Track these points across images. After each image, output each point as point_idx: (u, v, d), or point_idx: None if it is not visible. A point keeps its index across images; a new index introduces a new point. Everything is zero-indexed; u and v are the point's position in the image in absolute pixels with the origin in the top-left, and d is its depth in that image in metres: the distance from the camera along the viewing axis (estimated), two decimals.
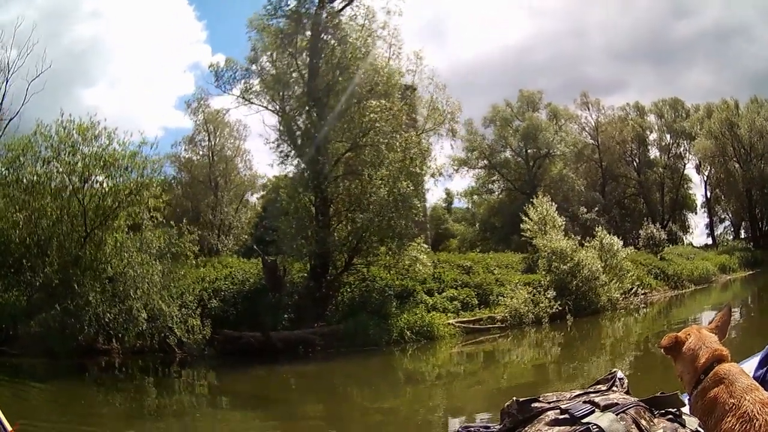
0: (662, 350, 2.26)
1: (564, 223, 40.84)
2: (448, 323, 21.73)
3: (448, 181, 70.57)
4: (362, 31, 22.78)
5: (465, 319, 22.35)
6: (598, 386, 2.25)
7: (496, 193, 46.21)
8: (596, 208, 43.82)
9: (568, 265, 24.03)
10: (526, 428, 2.02)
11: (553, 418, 1.99)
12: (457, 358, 20.15)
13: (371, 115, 20.56)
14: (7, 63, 24.80)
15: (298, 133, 22.79)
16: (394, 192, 20.77)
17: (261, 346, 20.04)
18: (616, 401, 2.03)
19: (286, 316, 21.50)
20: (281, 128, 22.89)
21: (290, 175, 23.44)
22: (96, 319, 19.61)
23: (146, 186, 20.84)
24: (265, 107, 24.37)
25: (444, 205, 54.57)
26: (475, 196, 48.54)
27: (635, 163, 45.43)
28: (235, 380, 18.60)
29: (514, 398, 2.11)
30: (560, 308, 22.95)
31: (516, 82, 71.44)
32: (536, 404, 2.07)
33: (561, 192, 42.67)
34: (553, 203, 28.16)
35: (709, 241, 47.10)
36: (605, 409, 1.98)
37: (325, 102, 22.19)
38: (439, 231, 51.52)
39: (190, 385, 18.80)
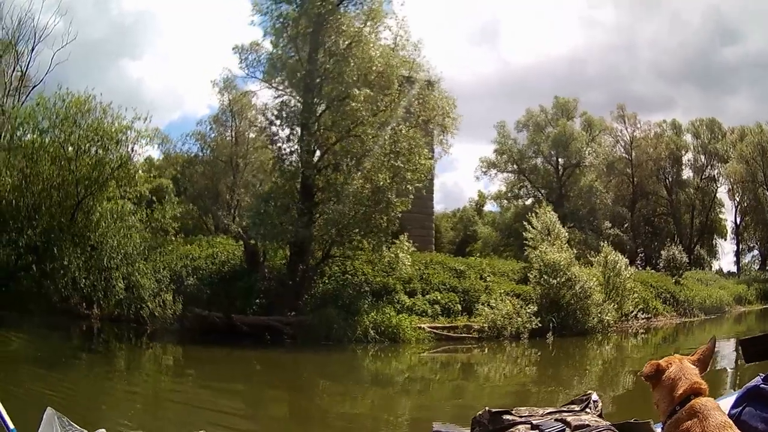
0: (643, 378, 2.14)
1: (585, 236, 39.00)
2: (419, 327, 20.34)
3: (476, 183, 68.80)
4: (367, 18, 21.60)
5: (439, 325, 20.90)
6: (572, 406, 2.23)
7: (523, 199, 44.11)
8: (626, 225, 41.36)
9: (558, 279, 22.14)
10: None
11: None
12: (421, 365, 18.78)
13: (353, 104, 19.28)
14: (34, 32, 24.73)
15: (292, 118, 21.79)
16: (371, 185, 19.53)
17: (226, 328, 19.34)
18: (587, 423, 2.01)
19: (257, 301, 20.67)
20: (274, 112, 21.93)
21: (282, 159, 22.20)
22: (72, 283, 19.48)
23: (129, 158, 20.40)
24: (288, 92, 23.28)
25: (474, 207, 52.78)
26: (505, 201, 46.55)
27: (667, 182, 42.35)
28: (197, 359, 18.05)
29: (487, 408, 2.10)
30: (539, 324, 21.11)
31: (565, 92, 68.28)
32: (508, 417, 2.04)
33: (588, 204, 40.44)
34: (555, 214, 26.10)
35: (736, 269, 43.74)
36: (576, 429, 1.96)
37: (319, 89, 21.09)
38: (467, 233, 49.97)
39: (156, 359, 18.41)
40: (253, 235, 21.24)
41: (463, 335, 20.88)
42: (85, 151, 19.92)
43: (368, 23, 21.64)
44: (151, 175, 21.82)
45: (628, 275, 25.15)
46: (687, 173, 43.23)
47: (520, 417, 2.05)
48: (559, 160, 41.43)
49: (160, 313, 19.97)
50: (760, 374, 2.25)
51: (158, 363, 17.93)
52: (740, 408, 2.23)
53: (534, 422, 2.00)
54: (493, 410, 2.08)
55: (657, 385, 2.10)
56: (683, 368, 2.07)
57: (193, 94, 66.34)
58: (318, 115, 21.50)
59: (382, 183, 19.48)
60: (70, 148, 19.91)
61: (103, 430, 2.37)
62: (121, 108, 20.36)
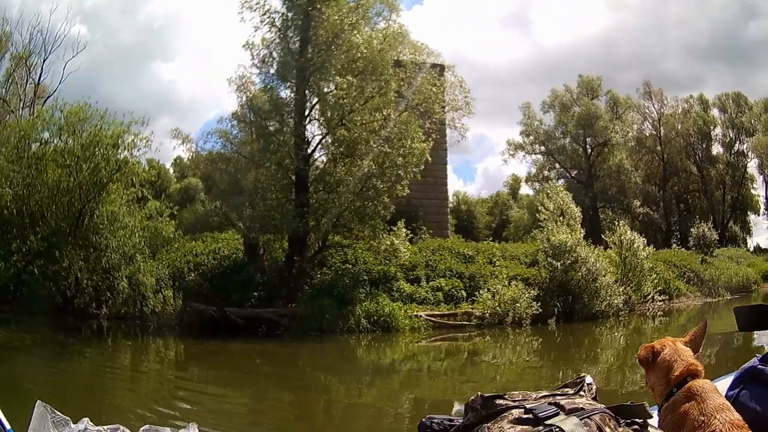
0: (639, 361, 2.07)
1: (615, 215, 36.85)
2: (416, 315, 19.17)
3: (506, 166, 66.93)
4: (357, 5, 20.55)
5: (436, 313, 19.69)
6: (566, 389, 2.10)
7: (553, 180, 42.01)
8: (659, 203, 38.98)
9: (562, 261, 20.54)
10: (489, 424, 1.89)
11: (516, 416, 1.87)
12: (416, 353, 17.67)
13: (335, 92, 18.26)
14: (44, 44, 24.77)
15: (286, 110, 20.98)
16: (359, 172, 18.53)
17: (223, 321, 18.84)
18: (582, 406, 1.90)
19: (255, 293, 20.02)
20: (267, 106, 21.06)
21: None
22: (76, 283, 19.36)
23: (126, 162, 19.96)
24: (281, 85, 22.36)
25: (509, 191, 50.94)
26: (537, 183, 44.49)
27: (697, 158, 39.34)
28: (191, 352, 17.91)
29: (479, 393, 1.99)
30: (539, 310, 19.58)
31: (598, 73, 64.87)
32: (501, 401, 1.94)
33: (617, 183, 38.23)
34: (570, 193, 24.31)
35: None
36: (570, 412, 1.85)
37: (307, 81, 20.18)
38: (503, 217, 48.43)
39: (156, 353, 18.23)
40: (245, 228, 20.60)
41: (463, 323, 19.62)
42: (84, 158, 19.63)
43: (357, 9, 20.55)
44: (153, 174, 21.14)
45: (645, 255, 23.19)
46: (717, 148, 40.22)
47: (513, 401, 1.95)
48: (587, 139, 39.23)
49: (161, 309, 19.65)
50: (757, 355, 2.13)
51: (158, 357, 17.77)
52: (737, 389, 2.13)
53: (527, 406, 1.89)
54: (486, 395, 1.98)
55: (651, 368, 2.03)
56: (678, 350, 2.00)
57: (228, 92, 65.78)
58: (312, 105, 20.68)
59: (367, 169, 18.39)
60: (70, 156, 19.69)
61: (87, 419, 2.31)
62: (118, 114, 20.24)
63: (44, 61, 24.91)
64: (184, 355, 17.93)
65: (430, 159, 20.20)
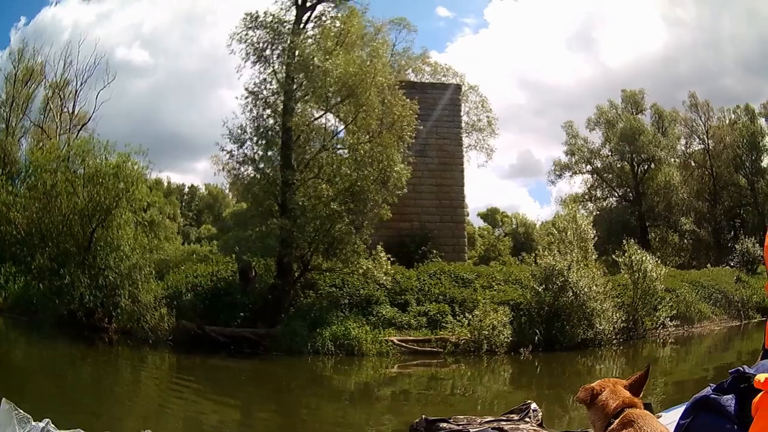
0: (578, 402, 2.05)
1: (663, 234, 33.17)
2: (387, 340, 17.69)
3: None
4: (340, 31, 19.63)
5: (409, 338, 18.08)
6: (511, 415, 2.15)
7: (600, 200, 38.46)
8: (709, 219, 34.73)
9: (544, 286, 18.33)
10: None
11: None
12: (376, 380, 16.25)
13: (295, 120, 17.33)
14: (76, 74, 25.67)
15: (271, 138, 20.33)
16: (321, 198, 17.46)
17: (207, 338, 18.52)
18: None
19: (241, 314, 19.39)
20: (250, 133, 20.45)
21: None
22: (79, 299, 19.73)
23: (127, 189, 20.05)
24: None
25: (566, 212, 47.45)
26: (590, 204, 40.82)
27: (746, 170, 34.33)
28: (171, 365, 18.35)
29: (423, 416, 2.06)
30: (510, 338, 17.40)
31: (662, 91, 59.54)
32: (445, 425, 1.96)
33: (665, 200, 34.34)
34: (584, 213, 21.85)
35: None
36: None
37: (290, 107, 19.45)
38: None
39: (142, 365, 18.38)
40: (230, 251, 20.11)
41: (437, 349, 17.82)
42: (89, 187, 19.99)
43: (340, 35, 19.61)
44: (154, 199, 21.20)
45: (655, 276, 20.23)
46: (767, 160, 34.77)
47: (458, 425, 2.08)
48: (633, 156, 35.53)
49: (155, 325, 19.55)
50: (711, 384, 2.06)
51: (143, 366, 17.99)
52: (689, 418, 2.06)
53: (471, 430, 2.04)
54: (430, 418, 1.98)
55: (591, 407, 2.00)
56: (616, 390, 1.97)
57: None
58: (298, 133, 19.94)
59: (326, 194, 17.27)
60: (77, 185, 20.14)
61: (48, 419, 2.38)
62: (119, 144, 20.47)
63: (77, 92, 25.66)
64: (162, 366, 18.20)
65: (404, 182, 18.68)
